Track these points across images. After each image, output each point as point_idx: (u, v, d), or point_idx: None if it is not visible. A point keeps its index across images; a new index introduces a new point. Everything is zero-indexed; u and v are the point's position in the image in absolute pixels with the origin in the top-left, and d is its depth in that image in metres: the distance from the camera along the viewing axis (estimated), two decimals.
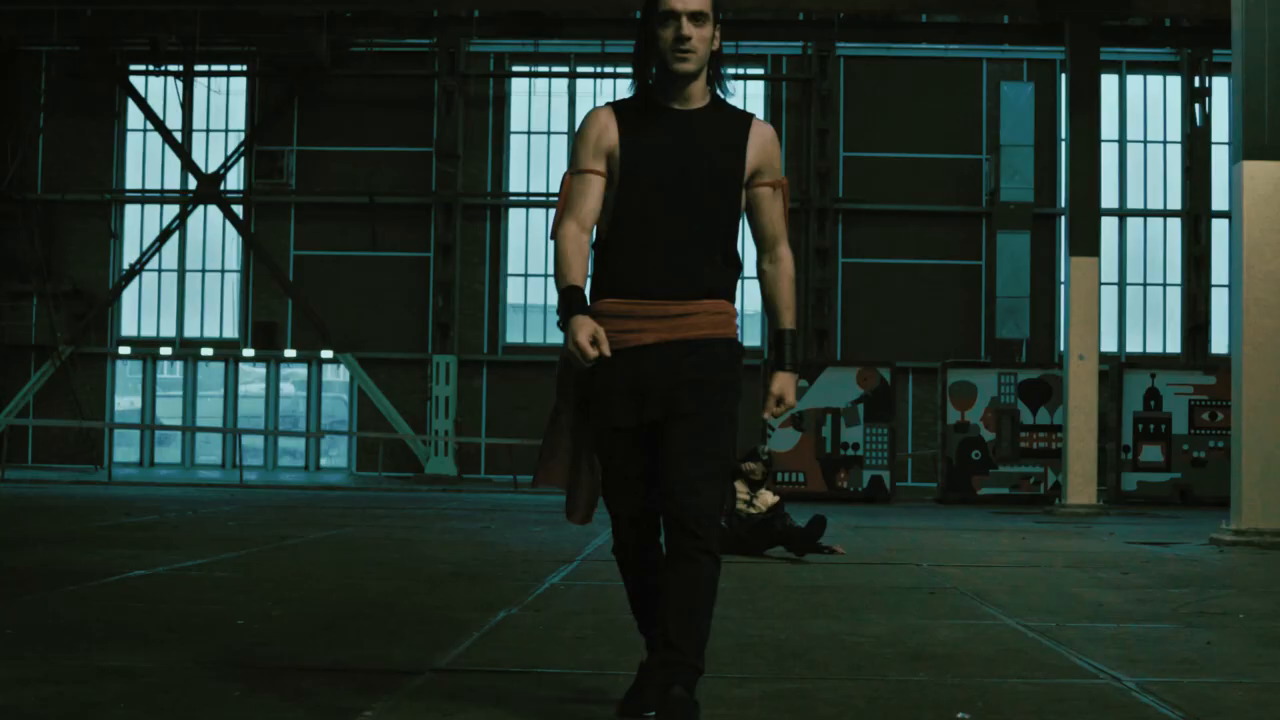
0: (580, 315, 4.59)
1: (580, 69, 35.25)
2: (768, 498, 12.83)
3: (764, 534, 12.36)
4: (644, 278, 4.72)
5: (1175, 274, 35.02)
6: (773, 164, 4.87)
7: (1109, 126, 33.71)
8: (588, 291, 4.77)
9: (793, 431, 26.47)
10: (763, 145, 4.84)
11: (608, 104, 4.87)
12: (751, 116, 4.88)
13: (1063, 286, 25.92)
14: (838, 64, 34.52)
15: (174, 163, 35.91)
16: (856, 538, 15.37)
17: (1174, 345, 34.87)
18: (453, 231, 34.44)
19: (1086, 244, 23.69)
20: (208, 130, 36.26)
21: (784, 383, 4.90)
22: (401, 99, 35.02)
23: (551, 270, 4.85)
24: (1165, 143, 35.32)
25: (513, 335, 35.38)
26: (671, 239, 4.72)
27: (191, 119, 36.01)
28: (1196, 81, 34.49)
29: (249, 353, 35.41)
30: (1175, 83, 35.19)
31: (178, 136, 35.64)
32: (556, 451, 4.91)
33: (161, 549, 11.83)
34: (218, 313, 36.12)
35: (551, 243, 4.84)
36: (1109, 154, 33.66)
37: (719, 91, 4.87)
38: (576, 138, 4.85)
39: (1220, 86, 34.08)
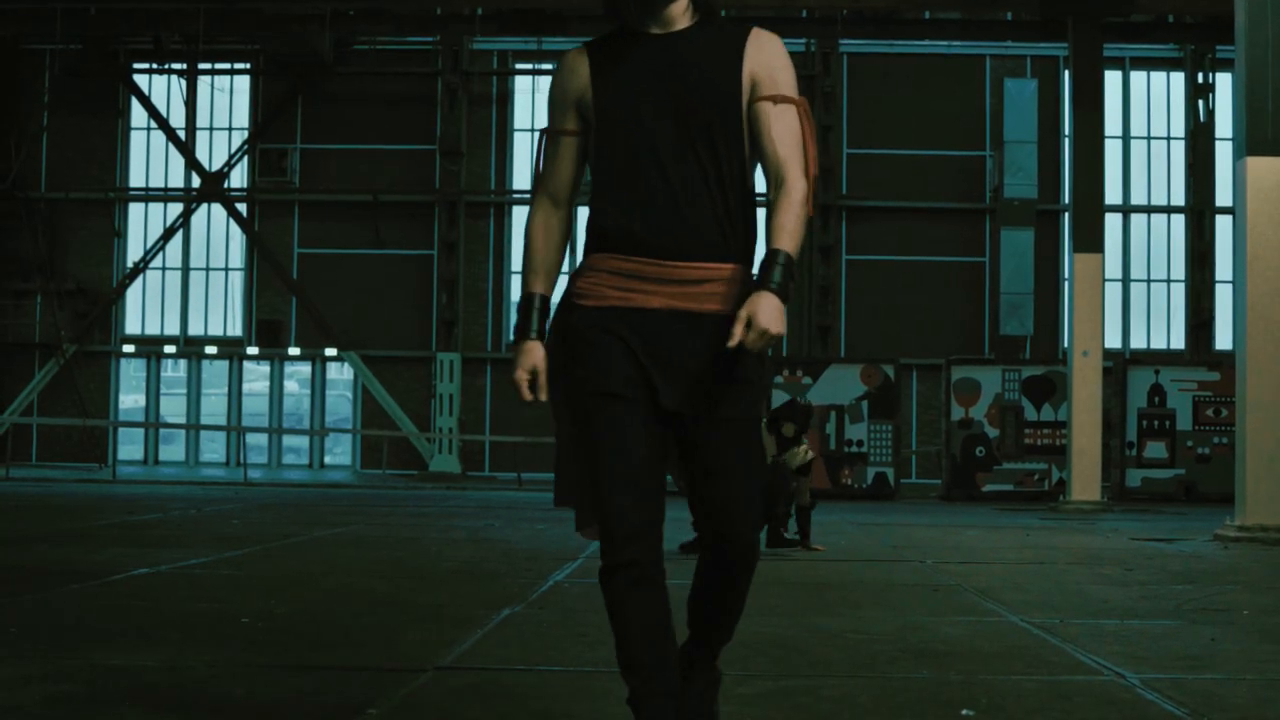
0: (529, 341, 4.02)
1: None
2: (796, 458, 12.80)
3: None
4: (639, 233, 3.91)
5: (1179, 270, 35.01)
6: (774, 75, 3.99)
7: (1112, 123, 33.67)
8: (580, 248, 4.10)
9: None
10: (760, 54, 3.99)
11: (582, 44, 4.19)
12: (750, 27, 4.05)
13: (1066, 283, 25.94)
14: (841, 61, 34.55)
15: (177, 161, 35.96)
16: (860, 535, 15.38)
17: (1178, 341, 34.86)
18: (456, 229, 34.46)
19: (1090, 240, 23.68)
20: (211, 128, 36.29)
21: (761, 302, 3.74)
22: (405, 97, 35.04)
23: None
24: (1169, 139, 35.32)
25: None
26: (666, 186, 3.90)
27: (195, 117, 36.04)
28: (1200, 77, 34.48)
29: (253, 351, 35.44)
30: (1179, 79, 35.18)
31: (181, 135, 35.68)
32: (572, 464, 4.11)
33: (165, 547, 11.84)
34: (221, 311, 36.15)
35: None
36: (1112, 150, 33.65)
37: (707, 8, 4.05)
38: (549, 90, 4.24)
39: (1224, 82, 34.09)
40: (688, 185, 3.90)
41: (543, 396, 3.96)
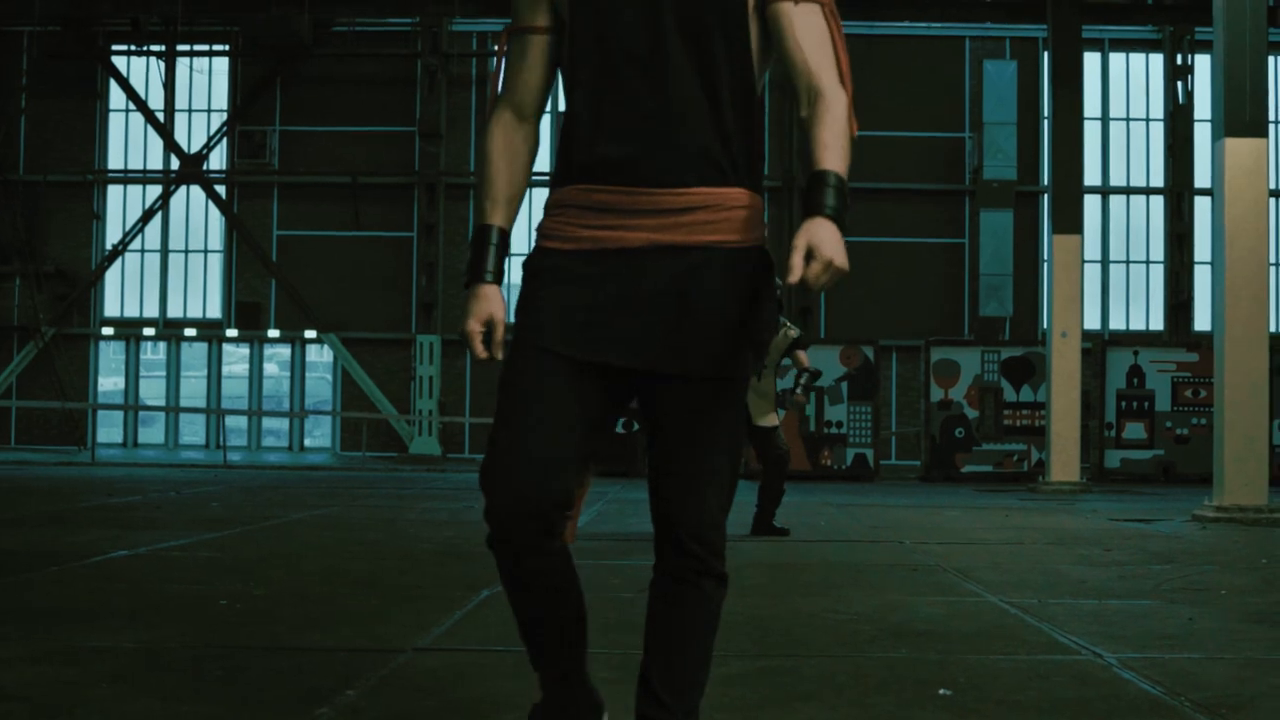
0: (484, 285, 3.39)
1: None
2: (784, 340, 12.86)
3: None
4: (616, 156, 3.27)
5: (1158, 251, 35.10)
6: None
7: (1092, 104, 33.75)
8: (546, 185, 3.47)
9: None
10: None
11: None
12: None
13: (1046, 264, 25.95)
14: None
15: (156, 143, 35.85)
16: (840, 516, 15.40)
17: (1157, 323, 34.96)
18: (436, 211, 34.42)
19: (1069, 221, 23.69)
20: (190, 110, 36.17)
21: (819, 229, 3.03)
22: (384, 78, 34.95)
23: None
24: (1148, 120, 35.38)
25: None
26: (651, 99, 3.26)
27: (174, 99, 35.90)
28: (1178, 59, 34.54)
29: (232, 333, 35.36)
30: (1157, 60, 35.24)
31: (160, 117, 35.56)
32: None
33: (144, 529, 11.81)
34: (201, 293, 36.06)
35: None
36: (1092, 132, 33.72)
37: None
38: None
39: (1202, 64, 34.15)
40: (678, 97, 3.26)
41: (498, 355, 3.35)
